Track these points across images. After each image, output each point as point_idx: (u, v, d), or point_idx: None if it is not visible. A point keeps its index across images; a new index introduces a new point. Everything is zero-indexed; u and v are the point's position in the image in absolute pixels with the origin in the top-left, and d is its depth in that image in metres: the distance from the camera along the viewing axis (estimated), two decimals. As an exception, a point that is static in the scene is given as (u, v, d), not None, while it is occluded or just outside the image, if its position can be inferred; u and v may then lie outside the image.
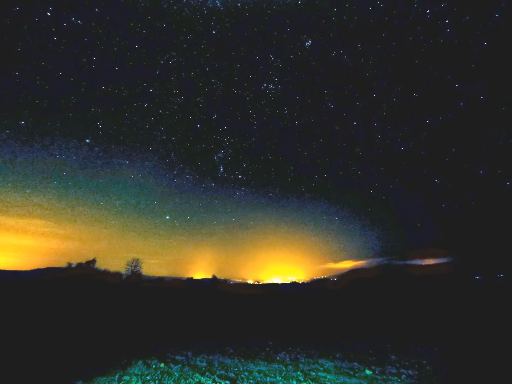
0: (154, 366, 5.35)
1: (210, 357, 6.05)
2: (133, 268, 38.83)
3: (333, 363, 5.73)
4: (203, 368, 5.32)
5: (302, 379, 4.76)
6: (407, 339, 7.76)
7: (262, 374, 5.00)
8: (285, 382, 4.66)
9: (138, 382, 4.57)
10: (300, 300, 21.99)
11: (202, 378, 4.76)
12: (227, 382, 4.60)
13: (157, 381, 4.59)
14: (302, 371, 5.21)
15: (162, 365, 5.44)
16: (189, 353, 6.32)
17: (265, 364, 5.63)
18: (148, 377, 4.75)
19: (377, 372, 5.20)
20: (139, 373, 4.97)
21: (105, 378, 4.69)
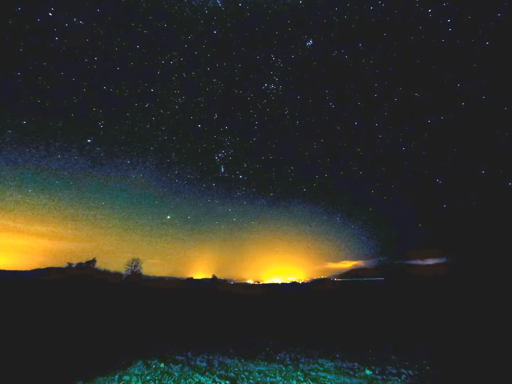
0: (154, 366, 5.35)
1: (210, 357, 6.05)
2: (133, 268, 38.84)
3: (333, 363, 5.73)
4: (203, 368, 5.32)
5: (302, 379, 4.76)
6: (407, 339, 7.77)
7: (262, 374, 5.00)
8: (285, 382, 4.66)
9: (138, 382, 4.57)
10: (300, 300, 21.99)
11: (202, 378, 4.76)
12: (227, 382, 4.60)
13: (157, 381, 4.59)
14: (302, 371, 5.21)
15: (162, 365, 5.44)
16: (189, 353, 6.32)
17: (265, 364, 5.63)
18: (148, 377, 4.75)
19: (377, 372, 5.20)
20: (139, 373, 4.97)
21: (105, 378, 4.69)
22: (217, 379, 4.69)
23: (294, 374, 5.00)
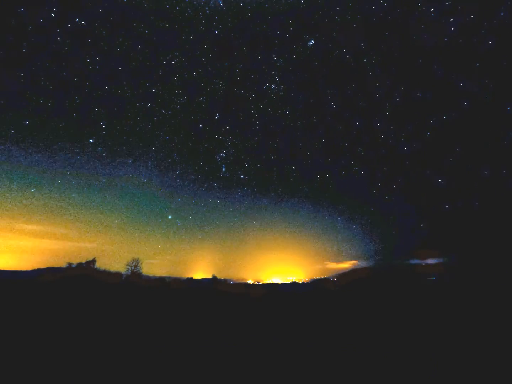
0: (153, 367, 5.34)
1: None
2: (133, 268, 38.85)
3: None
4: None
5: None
6: (407, 339, 7.75)
7: (261, 375, 4.97)
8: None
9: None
10: (300, 300, 21.98)
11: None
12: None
13: (156, 382, 4.57)
14: (302, 371, 5.19)
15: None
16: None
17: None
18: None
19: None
20: (139, 373, 4.95)
21: (104, 378, 4.67)
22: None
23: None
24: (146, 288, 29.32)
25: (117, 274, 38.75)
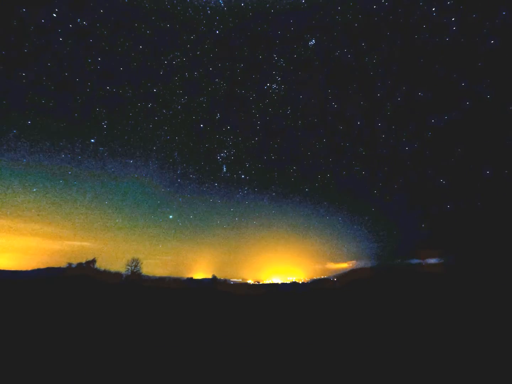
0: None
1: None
2: (133, 268, 38.87)
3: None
4: (203, 369, 5.30)
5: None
6: (407, 340, 7.75)
7: (261, 375, 4.97)
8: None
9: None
10: (300, 300, 21.98)
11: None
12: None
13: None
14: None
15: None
16: (188, 354, 6.30)
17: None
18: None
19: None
20: (138, 374, 4.95)
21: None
22: (216, 380, 4.67)
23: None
24: (146, 288, 29.33)
25: (117, 274, 38.81)
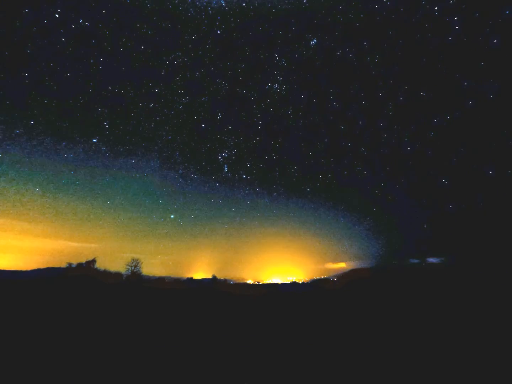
0: (153, 368, 5.32)
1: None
2: (133, 268, 38.82)
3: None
4: (203, 370, 5.28)
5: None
6: (408, 339, 7.74)
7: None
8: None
9: None
10: (300, 300, 21.96)
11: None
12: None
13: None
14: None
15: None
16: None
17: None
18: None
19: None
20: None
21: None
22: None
23: (293, 376, 4.97)
24: (146, 288, 29.31)
25: (117, 274, 38.77)
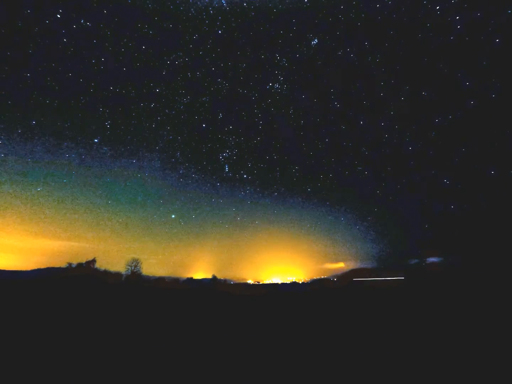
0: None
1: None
2: (133, 268, 38.86)
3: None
4: (202, 371, 5.27)
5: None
6: (408, 339, 7.73)
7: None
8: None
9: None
10: (300, 300, 21.97)
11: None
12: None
13: None
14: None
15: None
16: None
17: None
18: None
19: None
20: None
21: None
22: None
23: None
24: (146, 288, 29.34)
25: (117, 274, 38.83)
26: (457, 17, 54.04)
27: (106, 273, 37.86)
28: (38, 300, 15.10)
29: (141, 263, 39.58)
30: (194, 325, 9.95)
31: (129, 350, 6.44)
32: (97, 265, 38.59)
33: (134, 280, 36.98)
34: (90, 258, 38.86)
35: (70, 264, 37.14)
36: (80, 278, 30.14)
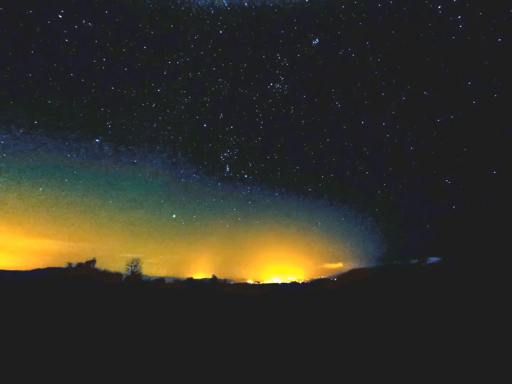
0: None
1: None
2: (133, 268, 38.83)
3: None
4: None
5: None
6: (408, 339, 7.72)
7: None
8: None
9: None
10: (300, 300, 21.96)
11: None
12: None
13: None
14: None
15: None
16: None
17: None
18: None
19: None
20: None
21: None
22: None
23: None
24: (146, 289, 29.33)
25: (117, 274, 38.79)
26: (459, 17, 53.91)
27: (106, 273, 37.83)
28: (38, 300, 15.10)
29: (141, 263, 39.56)
30: (194, 325, 9.94)
31: (129, 350, 6.44)
32: (97, 265, 38.58)
33: (134, 280, 36.97)
34: (90, 258, 38.85)
35: (70, 264, 37.10)
36: (80, 278, 30.14)
